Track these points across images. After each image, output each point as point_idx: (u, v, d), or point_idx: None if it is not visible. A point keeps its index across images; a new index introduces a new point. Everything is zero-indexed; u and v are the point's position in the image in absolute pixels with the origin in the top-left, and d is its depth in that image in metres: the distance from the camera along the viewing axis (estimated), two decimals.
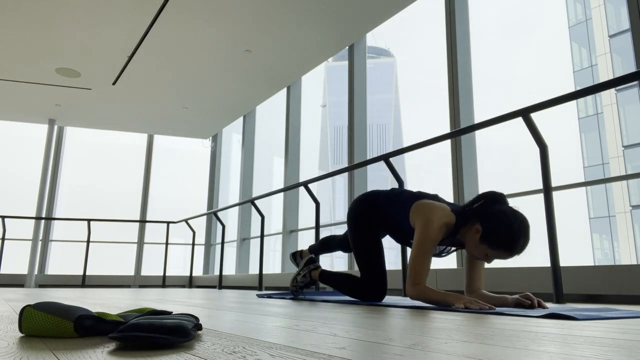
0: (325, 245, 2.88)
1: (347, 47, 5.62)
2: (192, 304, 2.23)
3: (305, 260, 2.73)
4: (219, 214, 6.75)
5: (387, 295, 2.62)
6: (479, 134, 4.09)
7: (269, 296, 3.08)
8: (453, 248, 2.18)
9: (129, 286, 7.81)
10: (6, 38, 5.31)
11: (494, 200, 1.99)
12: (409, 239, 2.25)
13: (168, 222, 7.48)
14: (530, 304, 1.85)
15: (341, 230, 5.93)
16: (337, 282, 2.53)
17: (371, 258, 2.37)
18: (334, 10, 4.74)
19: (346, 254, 5.22)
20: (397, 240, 2.45)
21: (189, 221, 7.22)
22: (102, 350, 0.78)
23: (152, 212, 8.63)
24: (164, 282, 7.35)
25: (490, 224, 1.92)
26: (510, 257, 1.93)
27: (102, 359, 0.70)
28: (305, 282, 2.70)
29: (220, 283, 6.08)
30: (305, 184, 4.41)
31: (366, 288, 2.36)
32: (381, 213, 2.34)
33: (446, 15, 4.37)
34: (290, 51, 5.58)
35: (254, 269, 7.09)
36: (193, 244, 7.33)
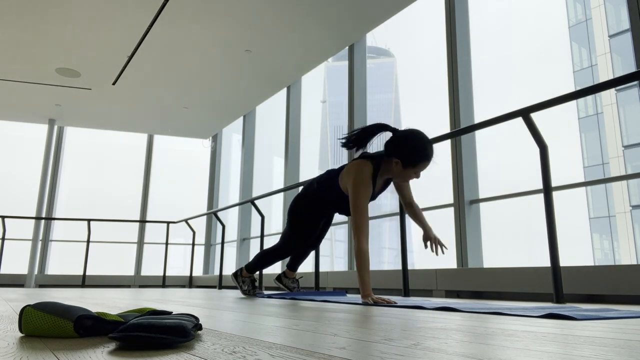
0: (297, 256, 3.18)
1: (347, 47, 5.62)
2: (192, 304, 2.23)
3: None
4: (219, 214, 6.75)
5: (385, 295, 2.63)
6: (479, 134, 4.09)
7: (269, 296, 3.08)
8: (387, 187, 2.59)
9: (129, 286, 7.80)
10: (6, 38, 5.31)
11: (387, 131, 2.44)
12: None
13: (168, 222, 7.48)
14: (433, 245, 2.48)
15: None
16: (261, 260, 3.03)
17: (291, 236, 2.87)
18: (334, 10, 4.74)
19: (346, 255, 5.22)
20: (344, 213, 2.75)
21: (189, 221, 7.22)
22: (102, 350, 0.78)
23: (152, 212, 8.63)
24: (164, 282, 7.35)
25: (403, 152, 2.36)
26: (429, 163, 2.37)
27: (102, 359, 0.70)
28: (248, 285, 3.18)
29: (220, 283, 6.08)
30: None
31: (279, 253, 2.96)
32: (321, 204, 2.75)
33: (446, 15, 4.37)
34: (290, 51, 5.57)
35: None
36: (193, 244, 7.33)
